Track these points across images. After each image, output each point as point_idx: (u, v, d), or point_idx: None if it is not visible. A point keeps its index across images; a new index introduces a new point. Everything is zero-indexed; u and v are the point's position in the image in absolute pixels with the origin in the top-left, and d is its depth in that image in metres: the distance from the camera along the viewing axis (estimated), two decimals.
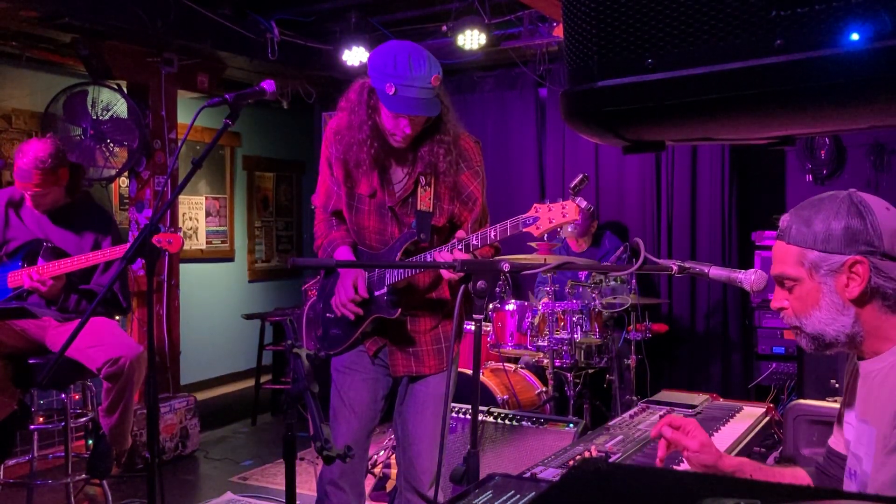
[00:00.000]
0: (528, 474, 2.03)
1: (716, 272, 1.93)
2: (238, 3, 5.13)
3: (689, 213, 5.58)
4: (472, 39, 5.10)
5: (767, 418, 2.76)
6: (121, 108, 4.88)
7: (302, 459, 4.63)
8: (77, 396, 4.03)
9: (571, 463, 2.18)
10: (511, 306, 4.53)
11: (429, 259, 2.49)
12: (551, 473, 2.05)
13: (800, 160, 5.26)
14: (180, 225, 6.68)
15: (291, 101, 6.31)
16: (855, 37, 0.92)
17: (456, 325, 2.11)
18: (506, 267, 1.93)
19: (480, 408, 3.10)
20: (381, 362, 2.72)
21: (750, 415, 2.77)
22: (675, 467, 2.08)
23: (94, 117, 4.81)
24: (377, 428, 2.85)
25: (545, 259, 4.13)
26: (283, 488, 1.91)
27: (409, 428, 2.68)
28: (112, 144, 4.87)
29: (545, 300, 4.49)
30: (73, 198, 3.62)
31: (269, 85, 2.36)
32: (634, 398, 4.51)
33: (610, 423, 2.64)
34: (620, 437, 2.44)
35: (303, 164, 8.21)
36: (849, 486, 1.63)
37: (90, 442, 4.08)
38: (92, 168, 4.82)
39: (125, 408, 3.55)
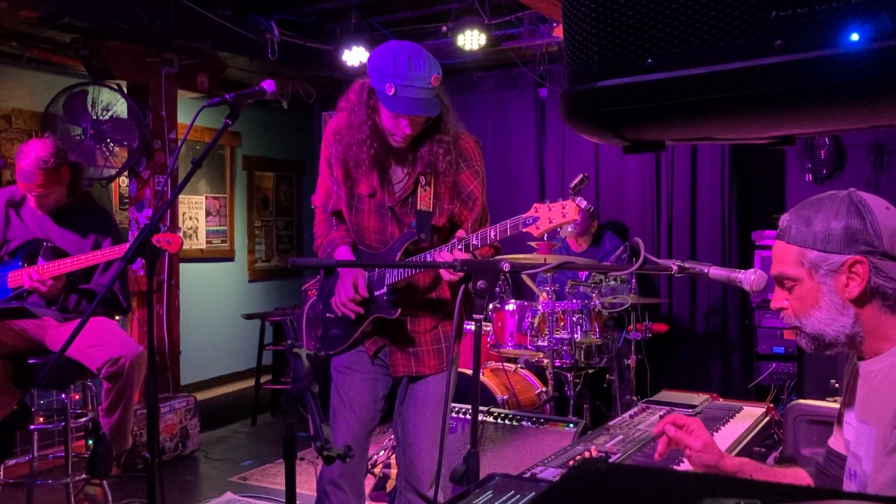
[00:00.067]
0: (528, 474, 2.03)
1: (715, 272, 1.93)
2: (238, 3, 5.13)
3: (689, 213, 5.58)
4: (472, 40, 5.10)
5: (767, 418, 2.76)
6: (121, 108, 4.88)
7: (302, 459, 4.63)
8: (77, 396, 4.02)
9: (571, 463, 2.18)
10: (511, 306, 4.53)
11: (429, 259, 2.49)
12: (551, 473, 2.05)
13: (800, 160, 5.27)
14: (180, 225, 6.69)
15: (291, 101, 6.31)
16: (855, 37, 0.92)
17: (456, 325, 2.11)
18: (506, 267, 1.93)
19: (480, 408, 3.10)
20: (381, 362, 2.72)
21: (750, 415, 2.77)
22: (674, 467, 2.08)
23: (94, 117, 4.81)
24: (377, 428, 2.85)
25: (545, 259, 4.13)
26: (283, 488, 1.91)
27: (409, 428, 2.68)
28: (112, 144, 4.87)
29: (545, 297, 4.49)
30: (73, 197, 3.63)
31: (269, 85, 2.36)
32: (634, 398, 4.52)
33: (610, 423, 2.65)
34: (620, 437, 2.44)
35: (303, 163, 8.21)
36: (849, 486, 1.63)
37: (90, 442, 4.07)
38: (92, 168, 4.82)
39: (125, 408, 3.55)
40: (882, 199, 1.56)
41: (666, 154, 5.58)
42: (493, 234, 2.37)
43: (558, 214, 2.29)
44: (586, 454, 2.27)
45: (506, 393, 4.25)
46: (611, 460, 2.20)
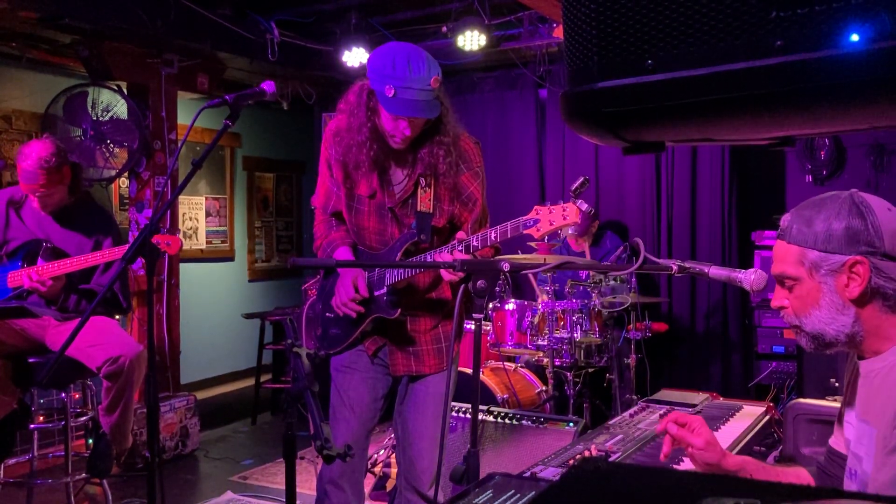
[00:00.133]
0: (528, 473, 2.04)
1: (716, 272, 1.93)
2: (238, 3, 5.13)
3: (689, 213, 5.59)
4: (472, 40, 5.10)
5: (767, 417, 2.77)
6: (121, 108, 4.88)
7: (302, 458, 4.63)
8: (77, 395, 4.03)
9: (571, 462, 2.19)
10: (511, 306, 4.53)
11: (429, 260, 2.49)
12: (551, 472, 2.06)
13: (800, 160, 5.27)
14: (180, 225, 6.69)
15: (291, 102, 6.31)
16: (855, 38, 0.92)
17: (456, 325, 2.11)
18: (506, 267, 1.93)
19: (480, 407, 3.10)
20: (381, 362, 2.73)
21: (750, 414, 2.77)
22: (675, 466, 2.09)
23: (94, 118, 4.82)
24: (377, 427, 2.86)
25: (545, 259, 4.13)
26: (283, 487, 1.92)
27: (410, 428, 2.68)
28: (112, 145, 4.87)
29: (545, 298, 4.49)
30: (75, 197, 3.63)
31: (269, 86, 2.36)
32: (634, 397, 4.52)
33: (610, 423, 2.65)
34: (620, 436, 2.44)
35: (303, 164, 8.21)
36: (849, 485, 1.63)
37: (90, 441, 4.08)
38: (92, 169, 4.82)
39: (125, 407, 3.55)
40: (884, 200, 1.57)
41: (666, 154, 5.58)
42: (493, 235, 2.38)
43: (559, 217, 2.29)
44: (586, 453, 2.27)
45: (506, 392, 4.25)
46: (611, 459, 2.20)
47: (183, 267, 5.82)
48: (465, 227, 2.61)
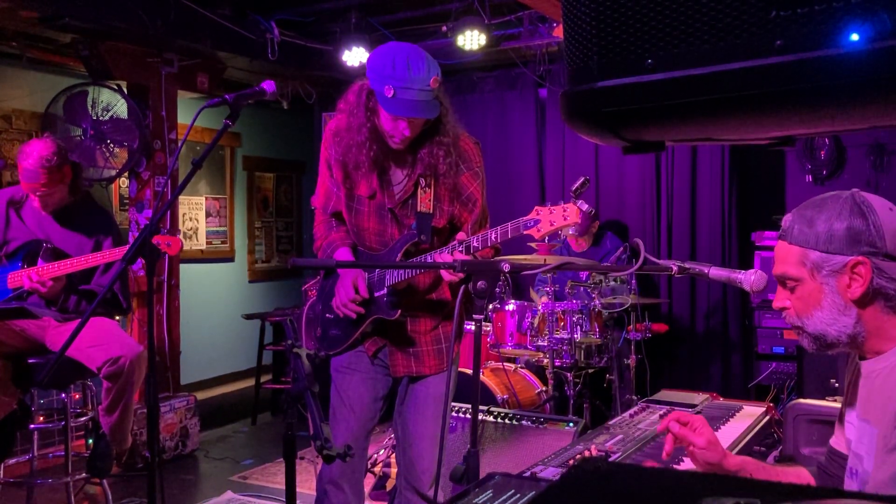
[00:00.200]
0: (527, 473, 2.04)
1: (716, 272, 1.93)
2: (238, 3, 5.13)
3: (689, 213, 5.59)
4: (472, 40, 5.10)
5: (767, 418, 2.77)
6: (121, 108, 4.88)
7: (302, 459, 4.63)
8: (77, 396, 4.03)
9: (571, 462, 2.19)
10: (511, 306, 4.53)
11: (429, 261, 2.49)
12: (551, 473, 2.06)
13: (800, 160, 5.27)
14: (180, 226, 6.69)
15: (291, 102, 6.31)
16: (855, 37, 0.92)
17: (456, 326, 2.11)
18: (506, 267, 1.93)
19: (480, 407, 3.10)
20: (381, 362, 2.73)
21: (750, 414, 2.77)
22: (675, 466, 2.09)
23: (95, 118, 4.82)
24: (377, 427, 2.85)
25: (545, 259, 4.13)
26: (283, 487, 1.92)
27: (410, 428, 2.68)
28: (112, 145, 4.87)
29: (545, 299, 4.49)
30: (75, 197, 3.63)
31: (269, 85, 2.36)
32: (634, 397, 4.52)
33: (610, 423, 2.65)
34: (620, 436, 2.44)
35: (303, 164, 8.21)
36: (850, 485, 1.63)
37: (90, 441, 4.07)
38: (92, 168, 4.82)
39: (125, 407, 3.55)
40: (885, 200, 1.56)
41: (666, 154, 5.58)
42: (493, 236, 2.37)
43: (559, 217, 2.29)
44: (586, 453, 2.27)
45: (506, 392, 4.25)
46: (611, 459, 2.20)
47: (183, 267, 5.82)
48: (465, 228, 2.61)
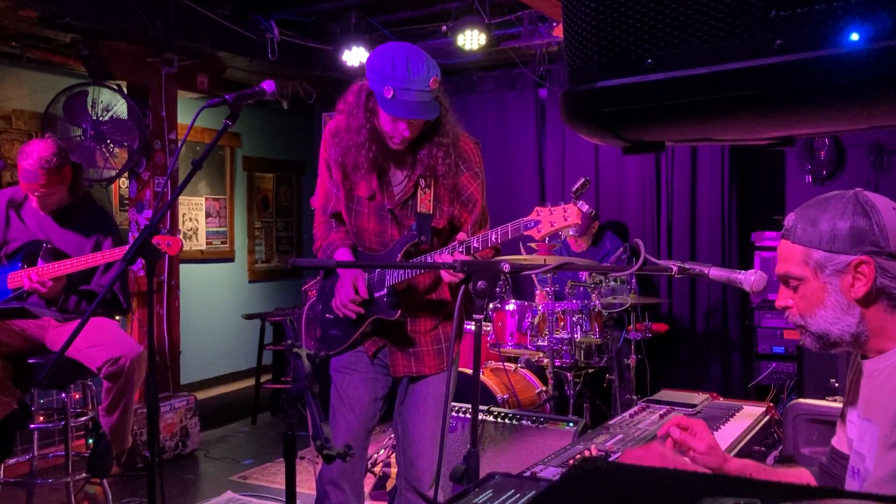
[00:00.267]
0: (528, 473, 2.04)
1: (716, 273, 1.93)
2: (238, 3, 5.13)
3: (689, 214, 5.59)
4: (471, 40, 5.10)
5: (767, 417, 2.76)
6: (121, 108, 4.88)
7: (302, 458, 4.63)
8: (77, 396, 4.03)
9: (571, 462, 2.18)
10: (511, 306, 4.54)
11: (429, 261, 2.49)
12: (551, 472, 2.05)
13: (800, 160, 5.27)
14: (180, 226, 6.69)
15: (291, 102, 6.31)
16: (855, 37, 0.92)
17: (456, 326, 2.11)
18: (506, 267, 1.93)
19: (480, 407, 3.10)
20: (381, 362, 2.73)
21: (750, 414, 2.77)
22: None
23: (95, 118, 4.82)
24: (377, 427, 2.85)
25: (545, 259, 4.13)
26: (283, 487, 1.92)
27: (410, 428, 2.68)
28: (112, 145, 4.87)
29: (545, 300, 4.49)
30: (75, 197, 3.63)
31: (268, 85, 2.35)
32: (634, 397, 4.52)
33: (610, 423, 2.65)
34: (620, 436, 2.44)
35: (303, 164, 8.21)
36: (851, 484, 1.63)
37: (90, 441, 4.07)
38: (92, 169, 4.82)
39: (125, 407, 3.55)
40: (889, 199, 1.56)
41: (666, 154, 5.58)
42: (494, 237, 2.37)
43: (560, 218, 2.29)
44: (586, 453, 2.27)
45: (506, 392, 4.25)
46: (611, 459, 2.20)
47: (183, 268, 5.82)
48: (465, 228, 2.61)
